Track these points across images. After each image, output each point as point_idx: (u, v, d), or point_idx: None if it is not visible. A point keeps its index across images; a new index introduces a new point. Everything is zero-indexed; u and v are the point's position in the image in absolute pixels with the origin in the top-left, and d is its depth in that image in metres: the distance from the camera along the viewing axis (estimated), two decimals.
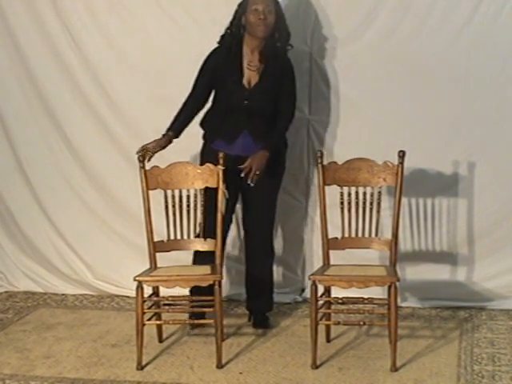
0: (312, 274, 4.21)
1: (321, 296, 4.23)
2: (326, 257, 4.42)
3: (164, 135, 4.45)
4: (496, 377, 4.03)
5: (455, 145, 4.82)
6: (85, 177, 5.28)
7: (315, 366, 4.17)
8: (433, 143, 4.82)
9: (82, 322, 4.92)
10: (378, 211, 4.39)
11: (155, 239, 4.44)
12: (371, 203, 4.40)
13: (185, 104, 4.53)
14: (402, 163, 4.31)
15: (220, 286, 4.22)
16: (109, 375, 4.17)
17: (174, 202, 4.45)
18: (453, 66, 4.73)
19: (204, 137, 4.62)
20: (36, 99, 5.23)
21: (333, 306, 4.40)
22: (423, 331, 4.63)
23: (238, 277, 5.05)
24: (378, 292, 4.51)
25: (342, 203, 4.42)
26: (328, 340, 4.49)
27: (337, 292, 4.41)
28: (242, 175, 4.36)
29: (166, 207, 4.45)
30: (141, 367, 4.21)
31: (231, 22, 4.51)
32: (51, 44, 5.12)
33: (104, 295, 5.34)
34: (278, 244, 5.14)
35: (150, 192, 4.42)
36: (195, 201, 4.45)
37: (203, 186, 4.43)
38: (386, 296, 4.24)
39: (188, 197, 4.45)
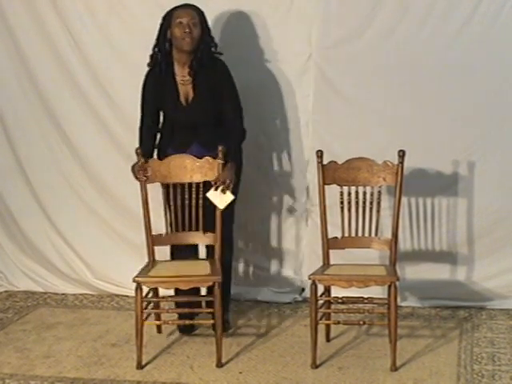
0: (312, 274, 4.21)
1: (321, 295, 4.23)
2: (326, 256, 4.42)
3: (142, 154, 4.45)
4: (496, 376, 4.03)
5: (455, 144, 4.82)
6: (84, 176, 5.28)
7: (315, 366, 4.17)
8: (433, 143, 4.82)
9: (82, 321, 4.92)
10: (378, 211, 4.39)
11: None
12: (371, 203, 4.40)
13: (142, 130, 4.58)
14: (401, 163, 4.31)
15: (219, 286, 4.22)
16: (109, 375, 4.17)
17: (175, 194, 4.42)
18: (453, 65, 4.73)
19: (158, 153, 4.60)
20: (36, 99, 5.23)
21: (333, 306, 4.39)
22: (423, 331, 4.64)
23: (235, 275, 5.04)
24: (377, 291, 4.50)
25: (341, 203, 4.42)
26: (328, 339, 4.49)
27: (337, 291, 4.41)
28: (213, 189, 4.32)
29: (168, 200, 4.43)
30: (141, 366, 4.22)
31: (157, 38, 4.48)
32: (51, 44, 5.12)
33: (104, 295, 5.34)
34: (278, 243, 5.15)
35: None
36: (197, 194, 4.41)
37: (202, 180, 4.41)
38: (385, 295, 4.24)
39: (190, 190, 4.42)
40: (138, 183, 4.50)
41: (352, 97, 4.88)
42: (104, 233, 5.32)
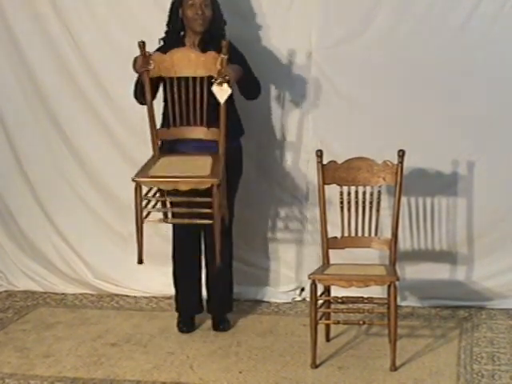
0: (312, 274, 4.21)
1: (320, 295, 4.23)
2: (326, 256, 4.42)
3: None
4: (496, 376, 4.03)
5: (455, 144, 4.81)
6: (84, 176, 5.28)
7: (315, 366, 4.17)
8: (432, 143, 4.82)
9: (82, 321, 4.92)
10: (378, 210, 4.39)
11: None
12: (371, 202, 4.40)
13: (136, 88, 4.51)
14: (401, 162, 4.31)
15: (218, 188, 4.13)
16: (108, 374, 4.17)
17: (179, 88, 4.29)
18: (452, 65, 4.72)
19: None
20: (36, 99, 5.22)
21: (332, 306, 4.39)
22: (423, 330, 4.64)
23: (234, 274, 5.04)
24: (377, 291, 4.50)
25: (341, 202, 4.42)
26: (328, 339, 4.49)
27: (336, 291, 4.41)
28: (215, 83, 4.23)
29: (172, 96, 4.33)
30: (141, 261, 4.23)
31: (169, 17, 4.53)
32: (51, 43, 5.11)
33: (104, 294, 5.33)
34: (278, 243, 5.15)
35: None
36: (201, 88, 4.30)
37: (206, 74, 4.27)
38: (385, 295, 4.24)
39: (194, 84, 4.29)
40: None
41: (352, 96, 4.87)
42: (104, 232, 5.32)
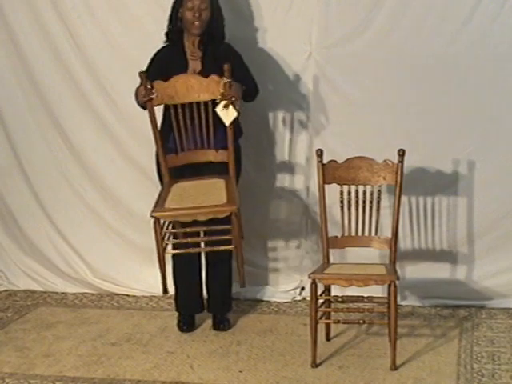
0: (312, 273, 4.21)
1: (320, 294, 4.23)
2: (326, 255, 4.42)
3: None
4: (496, 375, 4.03)
5: (455, 143, 4.81)
6: (85, 176, 5.28)
7: (315, 365, 4.17)
8: (432, 142, 4.82)
9: (82, 320, 4.92)
10: (378, 210, 4.39)
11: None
12: (371, 202, 4.40)
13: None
14: (401, 162, 4.31)
15: (237, 216, 4.13)
16: (109, 374, 4.17)
17: (184, 114, 4.33)
18: (452, 64, 4.72)
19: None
20: (36, 99, 5.22)
21: (332, 305, 4.39)
22: (423, 330, 4.63)
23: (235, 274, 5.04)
24: (377, 290, 4.50)
25: (341, 202, 4.42)
26: (328, 338, 4.49)
27: (336, 290, 4.41)
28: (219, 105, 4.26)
29: (178, 122, 4.35)
30: (166, 292, 4.20)
31: (170, 17, 4.55)
32: (51, 43, 5.10)
33: (104, 294, 5.33)
34: (278, 243, 5.15)
35: None
36: (206, 112, 4.32)
37: (210, 98, 4.30)
38: (385, 294, 4.24)
39: (199, 109, 4.32)
40: (138, 182, 4.50)
41: (352, 96, 4.87)
42: (104, 232, 5.32)
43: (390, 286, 4.11)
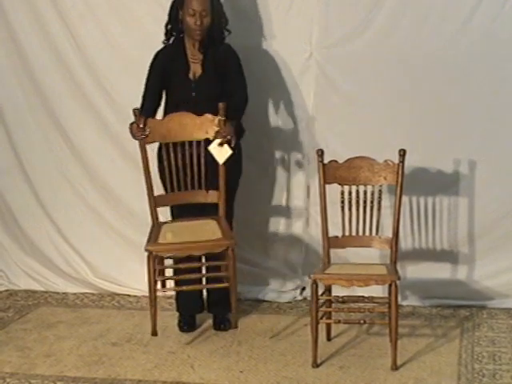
0: (312, 273, 4.21)
1: (321, 295, 4.23)
2: (327, 255, 4.42)
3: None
4: (497, 375, 4.03)
5: (456, 143, 4.81)
6: (85, 176, 5.28)
7: (316, 365, 4.17)
8: (433, 142, 4.82)
9: (83, 320, 4.92)
10: (379, 210, 4.39)
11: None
12: (372, 202, 4.40)
13: (144, 101, 4.53)
14: (402, 162, 4.31)
15: (233, 250, 4.16)
16: (109, 374, 4.17)
17: (176, 153, 4.38)
18: (453, 64, 4.72)
19: None
20: (36, 99, 5.22)
21: (333, 305, 4.39)
22: (424, 330, 4.63)
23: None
24: (378, 290, 4.50)
25: (342, 202, 4.42)
26: (329, 339, 4.49)
27: (337, 290, 4.40)
28: (213, 143, 4.30)
29: (169, 161, 4.39)
30: (155, 333, 4.27)
31: (169, 17, 4.53)
32: (52, 43, 5.11)
33: (105, 294, 5.33)
34: (278, 243, 5.15)
35: None
36: (198, 151, 4.37)
37: (203, 137, 4.35)
38: (386, 294, 4.24)
39: (191, 148, 4.37)
40: (139, 182, 4.50)
41: (353, 96, 4.87)
42: (105, 232, 5.32)
43: (390, 286, 4.11)
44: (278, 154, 5.04)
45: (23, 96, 5.24)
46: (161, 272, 4.35)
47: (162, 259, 4.33)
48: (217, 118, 4.30)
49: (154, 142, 4.42)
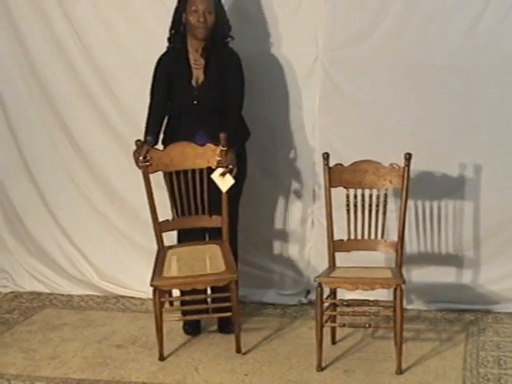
0: (317, 276, 4.20)
1: (326, 298, 4.23)
2: (332, 258, 4.42)
3: (144, 142, 4.41)
4: (502, 380, 4.02)
5: (461, 147, 4.80)
6: (91, 178, 5.28)
7: (320, 368, 4.17)
8: (439, 145, 4.81)
9: (88, 322, 4.92)
10: (384, 213, 4.39)
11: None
12: (377, 205, 4.39)
13: (150, 111, 4.54)
14: (408, 165, 4.31)
15: (236, 284, 4.24)
16: (114, 376, 4.17)
17: (179, 181, 4.45)
18: (460, 67, 4.71)
19: (163, 141, 4.60)
20: (42, 99, 5.22)
21: (338, 308, 4.40)
22: (429, 334, 4.63)
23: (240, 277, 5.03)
24: (383, 294, 4.50)
25: (347, 205, 4.42)
26: (333, 342, 4.48)
27: (342, 294, 4.40)
28: (216, 172, 4.34)
29: (172, 188, 4.46)
30: (163, 358, 4.30)
31: (173, 21, 4.53)
32: (58, 45, 5.12)
33: (109, 296, 5.33)
34: (284, 246, 5.15)
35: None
36: (200, 179, 4.42)
37: (205, 166, 4.40)
38: (391, 298, 4.24)
39: (194, 176, 4.43)
40: (143, 184, 4.50)
41: (358, 99, 4.87)
42: (110, 234, 5.32)
43: (395, 289, 4.10)
44: (283, 157, 5.03)
45: (29, 97, 5.25)
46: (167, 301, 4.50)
47: (168, 291, 4.47)
48: (218, 148, 4.35)
49: (157, 171, 4.48)
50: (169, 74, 4.52)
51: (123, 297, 5.30)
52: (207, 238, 4.70)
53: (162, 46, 4.59)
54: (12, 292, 5.47)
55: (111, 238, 5.33)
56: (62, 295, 5.39)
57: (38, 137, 5.30)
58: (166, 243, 4.58)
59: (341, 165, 4.41)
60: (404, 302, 4.20)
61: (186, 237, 4.63)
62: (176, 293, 4.68)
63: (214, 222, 4.50)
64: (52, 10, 5.09)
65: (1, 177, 5.43)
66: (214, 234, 4.59)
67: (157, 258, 4.43)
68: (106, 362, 4.34)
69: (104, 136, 5.20)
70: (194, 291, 4.37)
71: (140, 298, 5.23)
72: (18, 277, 5.52)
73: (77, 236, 5.39)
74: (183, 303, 4.64)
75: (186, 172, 4.45)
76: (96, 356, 4.42)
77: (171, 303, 4.59)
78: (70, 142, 5.26)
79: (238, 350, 4.33)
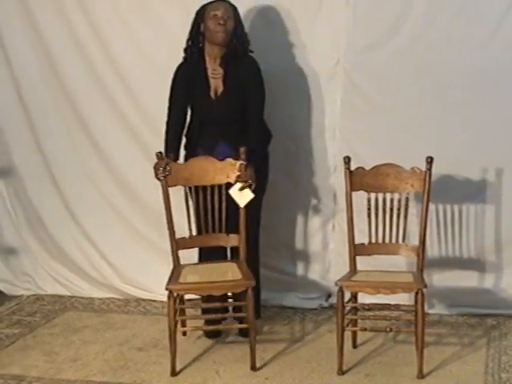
0: (339, 280, 4.20)
1: (347, 302, 4.22)
2: (353, 262, 4.41)
3: (166, 156, 4.44)
4: None
5: (483, 151, 4.78)
6: (113, 181, 5.30)
7: (341, 372, 4.16)
8: (460, 149, 4.79)
9: (109, 325, 4.94)
10: (406, 217, 4.38)
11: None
12: (398, 209, 4.38)
13: (168, 125, 4.55)
14: (429, 169, 4.29)
15: (253, 291, 4.21)
16: (135, 379, 4.18)
17: (197, 196, 4.44)
18: (482, 71, 4.69)
19: (185, 147, 4.62)
20: (64, 103, 5.25)
21: (359, 312, 4.38)
22: (450, 338, 4.61)
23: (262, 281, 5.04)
24: (404, 298, 4.48)
25: (369, 209, 4.41)
26: (354, 346, 4.47)
27: (363, 298, 4.39)
28: (234, 187, 4.34)
29: (191, 203, 4.46)
30: (175, 373, 4.22)
31: (190, 32, 4.52)
32: (80, 49, 5.14)
33: (130, 299, 5.35)
34: (305, 249, 5.15)
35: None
36: (219, 195, 4.41)
37: (224, 181, 4.40)
38: (412, 302, 4.21)
39: (213, 192, 4.42)
40: None
41: (380, 102, 4.86)
42: (131, 237, 5.34)
43: (417, 293, 4.09)
44: (304, 160, 5.03)
45: (52, 101, 5.29)
46: (181, 311, 4.47)
47: (182, 298, 4.47)
48: (238, 163, 4.34)
49: (177, 185, 4.48)
50: (187, 85, 4.51)
51: (144, 300, 5.31)
52: (229, 257, 4.69)
53: (182, 48, 4.60)
54: (34, 295, 5.51)
55: (132, 241, 5.35)
56: (84, 298, 5.41)
57: (61, 141, 5.33)
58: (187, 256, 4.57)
59: (362, 168, 4.40)
60: (425, 307, 4.19)
61: (208, 254, 4.63)
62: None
63: (232, 240, 4.48)
64: (72, 12, 5.11)
65: (22, 179, 5.46)
66: (235, 253, 4.58)
67: (172, 272, 4.39)
68: (127, 364, 4.36)
69: (126, 139, 5.21)
70: (211, 298, 4.37)
71: (161, 301, 5.22)
72: (40, 280, 5.55)
73: (98, 238, 5.41)
74: (203, 311, 4.65)
75: (204, 188, 4.43)
76: (117, 359, 4.43)
77: (183, 311, 4.54)
78: (93, 147, 5.29)
79: (253, 367, 4.23)
